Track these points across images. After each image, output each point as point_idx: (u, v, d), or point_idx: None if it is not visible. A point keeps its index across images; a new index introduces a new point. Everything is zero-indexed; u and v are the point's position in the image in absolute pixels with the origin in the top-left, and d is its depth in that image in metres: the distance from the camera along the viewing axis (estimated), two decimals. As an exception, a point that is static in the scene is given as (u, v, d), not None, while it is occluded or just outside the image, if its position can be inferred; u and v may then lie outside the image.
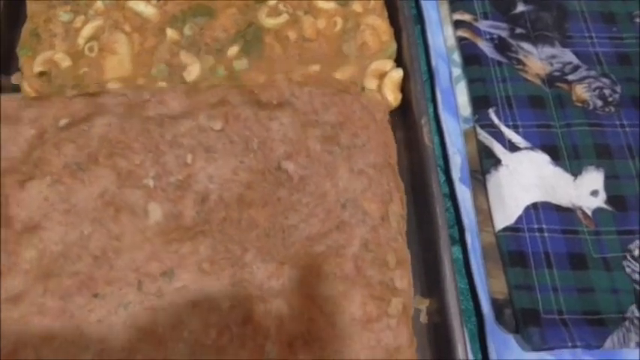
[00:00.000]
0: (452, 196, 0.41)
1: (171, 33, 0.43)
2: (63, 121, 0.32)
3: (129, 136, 0.32)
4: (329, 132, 0.34)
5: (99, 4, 0.45)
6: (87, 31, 0.44)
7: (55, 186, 0.31)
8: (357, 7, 0.44)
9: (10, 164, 0.31)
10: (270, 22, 0.44)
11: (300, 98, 0.35)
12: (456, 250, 0.40)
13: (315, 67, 0.41)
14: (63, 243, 0.30)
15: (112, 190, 0.31)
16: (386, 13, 0.45)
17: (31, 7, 0.45)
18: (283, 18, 0.44)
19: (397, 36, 0.45)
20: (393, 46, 0.43)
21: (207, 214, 0.31)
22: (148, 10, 0.44)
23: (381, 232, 0.33)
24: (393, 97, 0.42)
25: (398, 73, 0.42)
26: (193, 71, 0.42)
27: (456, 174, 0.41)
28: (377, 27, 0.44)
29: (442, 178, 0.42)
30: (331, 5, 0.44)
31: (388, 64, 0.42)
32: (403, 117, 0.43)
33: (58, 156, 0.31)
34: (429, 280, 0.37)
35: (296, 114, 0.34)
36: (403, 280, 0.33)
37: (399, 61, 0.44)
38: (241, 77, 0.42)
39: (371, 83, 0.42)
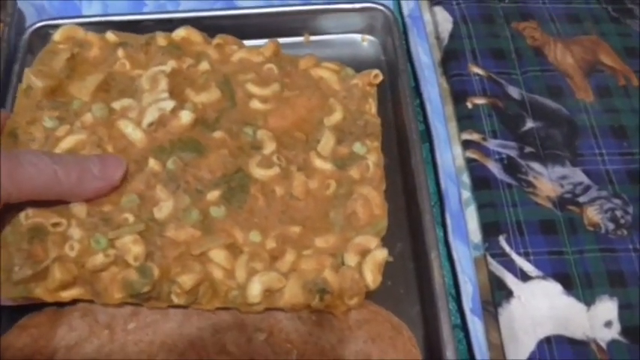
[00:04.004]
0: (464, 327, 0.41)
1: (153, 164, 0.40)
2: (131, 325, 0.37)
3: (185, 342, 0.36)
4: (361, 346, 0.37)
5: (88, 117, 0.41)
6: (67, 143, 0.40)
7: None
8: (354, 172, 0.42)
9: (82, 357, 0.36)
10: (259, 172, 0.41)
11: (337, 317, 0.38)
12: (470, 385, 0.40)
13: (296, 229, 0.39)
14: None
15: None
16: (383, 186, 0.42)
17: (20, 103, 0.42)
18: (274, 171, 0.41)
19: (405, 156, 0.45)
20: (383, 223, 0.40)
21: None
22: (136, 134, 0.41)
23: None
24: (372, 279, 0.38)
25: (382, 254, 0.39)
26: (165, 209, 0.39)
27: (467, 304, 0.41)
28: (370, 198, 0.41)
29: (454, 307, 0.42)
30: (328, 167, 0.42)
31: (373, 242, 0.39)
32: (413, 245, 0.43)
33: (123, 357, 0.36)
34: None
35: (332, 331, 0.38)
36: None
37: (405, 184, 0.45)
38: (214, 226, 0.39)
39: (351, 259, 0.39)
